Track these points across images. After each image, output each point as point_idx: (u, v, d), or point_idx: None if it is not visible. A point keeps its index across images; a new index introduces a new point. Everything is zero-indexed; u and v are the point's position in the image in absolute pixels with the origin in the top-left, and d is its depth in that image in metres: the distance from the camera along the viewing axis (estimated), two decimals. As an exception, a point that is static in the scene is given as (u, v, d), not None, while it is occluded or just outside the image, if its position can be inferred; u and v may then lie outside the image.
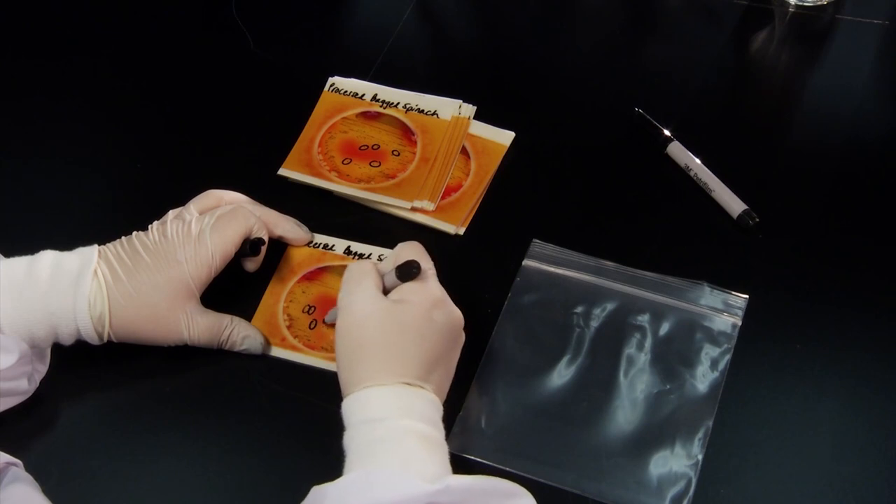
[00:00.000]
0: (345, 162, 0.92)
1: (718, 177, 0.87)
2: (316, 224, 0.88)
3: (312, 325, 0.82)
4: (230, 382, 0.80)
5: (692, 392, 0.77)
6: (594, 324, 0.81)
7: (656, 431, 0.75)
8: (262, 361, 0.81)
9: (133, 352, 0.81)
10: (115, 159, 0.95)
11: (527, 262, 0.84)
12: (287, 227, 0.85)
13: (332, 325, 0.78)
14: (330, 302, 0.83)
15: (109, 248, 0.78)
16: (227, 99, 0.99)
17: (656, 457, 0.74)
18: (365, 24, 1.07)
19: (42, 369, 0.78)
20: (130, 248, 0.77)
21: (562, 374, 0.78)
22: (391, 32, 1.02)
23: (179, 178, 0.92)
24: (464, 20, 1.07)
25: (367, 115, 0.95)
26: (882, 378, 0.77)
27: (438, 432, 0.69)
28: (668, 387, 0.77)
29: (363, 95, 0.96)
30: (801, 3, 0.99)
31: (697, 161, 0.88)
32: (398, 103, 0.95)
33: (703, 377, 0.77)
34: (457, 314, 0.74)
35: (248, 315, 0.83)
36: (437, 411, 0.70)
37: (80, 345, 0.78)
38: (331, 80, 0.97)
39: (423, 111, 0.94)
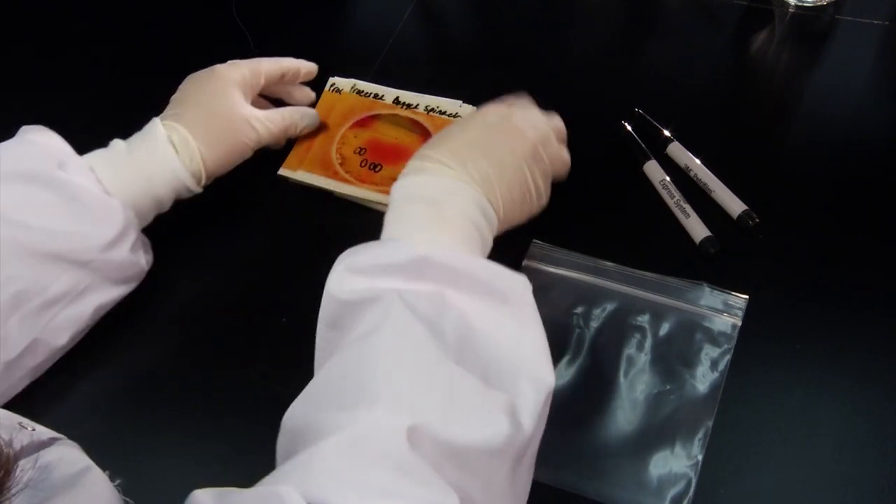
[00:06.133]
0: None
1: (718, 177, 0.87)
2: (316, 224, 0.88)
3: (363, 165, 0.89)
4: (230, 382, 0.80)
5: (692, 392, 0.77)
6: (594, 324, 0.81)
7: (656, 432, 0.75)
8: (261, 361, 0.81)
9: (133, 351, 0.82)
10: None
11: (527, 262, 0.84)
12: (287, 65, 0.92)
13: None
14: (381, 147, 0.90)
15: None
16: (227, 99, 0.99)
17: (656, 457, 0.74)
18: (365, 24, 1.07)
19: (148, 259, 0.82)
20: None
21: (562, 375, 0.78)
22: (391, 32, 1.02)
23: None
24: (464, 20, 1.07)
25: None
26: (882, 378, 0.77)
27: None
28: (668, 387, 0.77)
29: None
30: (801, 4, 0.99)
31: (697, 161, 0.88)
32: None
33: (703, 377, 0.77)
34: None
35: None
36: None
37: (78, 343, 0.78)
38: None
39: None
